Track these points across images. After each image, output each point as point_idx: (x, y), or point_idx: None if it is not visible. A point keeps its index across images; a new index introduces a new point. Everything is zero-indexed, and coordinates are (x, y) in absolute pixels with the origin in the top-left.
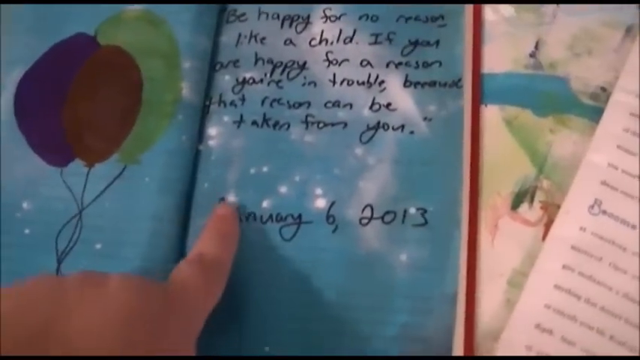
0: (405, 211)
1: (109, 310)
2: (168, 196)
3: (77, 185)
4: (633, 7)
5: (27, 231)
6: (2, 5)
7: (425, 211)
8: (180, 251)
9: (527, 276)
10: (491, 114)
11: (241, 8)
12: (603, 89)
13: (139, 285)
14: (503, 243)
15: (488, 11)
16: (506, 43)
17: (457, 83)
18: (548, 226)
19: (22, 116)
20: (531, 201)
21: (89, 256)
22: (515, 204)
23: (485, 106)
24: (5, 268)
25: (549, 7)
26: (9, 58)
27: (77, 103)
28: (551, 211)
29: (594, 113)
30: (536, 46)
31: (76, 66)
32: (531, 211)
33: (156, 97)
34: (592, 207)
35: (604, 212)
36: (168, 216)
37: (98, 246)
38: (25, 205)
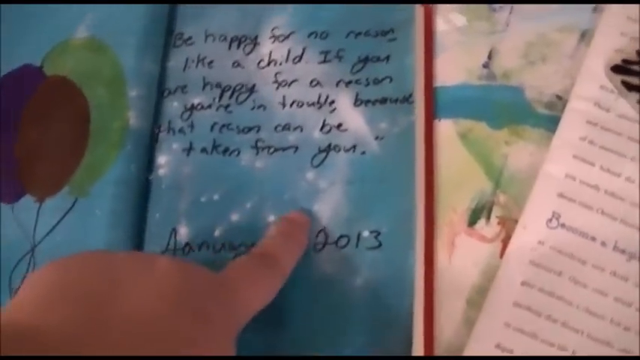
0: (359, 235)
1: (158, 289)
2: (119, 229)
3: (29, 221)
4: (588, 10)
5: None
6: None
7: (378, 233)
8: None
9: (486, 294)
10: (445, 128)
11: (188, 31)
12: (559, 97)
13: (188, 268)
14: (460, 261)
15: (440, 21)
16: (458, 53)
17: (408, 99)
18: (505, 242)
19: None
20: (488, 216)
21: None
22: (472, 220)
23: (439, 120)
24: None
25: (502, 15)
26: None
27: (27, 135)
28: (508, 226)
29: (550, 123)
30: (490, 56)
31: (24, 98)
32: (488, 227)
33: (104, 126)
34: (550, 220)
35: (562, 225)
36: (119, 248)
37: None
38: None
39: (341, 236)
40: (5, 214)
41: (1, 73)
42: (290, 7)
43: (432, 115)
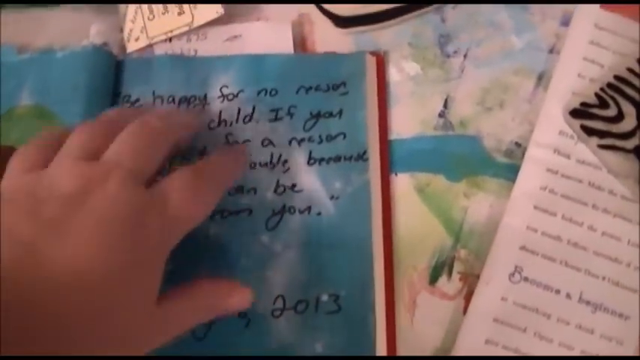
0: (318, 299)
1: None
2: None
3: None
4: (544, 52)
5: None
6: None
7: (337, 297)
8: None
9: (450, 353)
10: (402, 183)
11: (135, 93)
12: (518, 144)
13: (124, 197)
14: (422, 321)
15: (393, 71)
16: (413, 104)
17: (362, 156)
18: (468, 299)
19: None
20: (450, 273)
21: None
22: (433, 277)
23: (396, 175)
24: None
25: (456, 61)
26: None
27: None
28: (470, 281)
29: (510, 172)
30: (445, 105)
31: None
32: (450, 284)
33: None
34: (512, 275)
35: (525, 279)
36: None
37: None
38: None
39: (299, 301)
40: None
41: None
42: (236, 63)
43: (387, 171)
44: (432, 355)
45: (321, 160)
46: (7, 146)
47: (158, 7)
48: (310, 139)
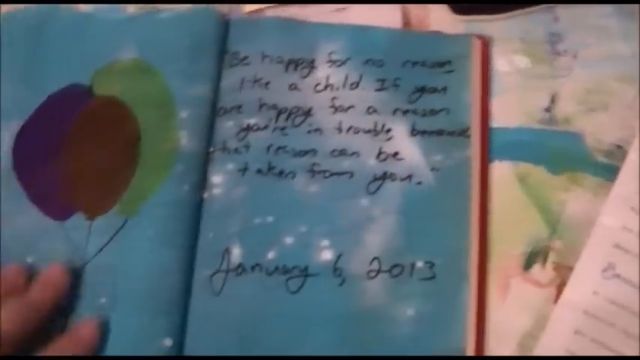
0: (413, 265)
1: None
2: (171, 249)
3: (79, 239)
4: None
5: None
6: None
7: (432, 264)
8: (184, 303)
9: (538, 339)
10: (503, 170)
11: (243, 51)
12: (618, 147)
13: None
14: (513, 304)
15: (502, 62)
16: (519, 95)
17: (465, 132)
18: (560, 289)
19: (21, 169)
20: (544, 262)
21: (93, 311)
22: (527, 264)
23: (499, 161)
24: None
25: (565, 60)
26: (5, 108)
27: (74, 155)
28: (563, 272)
29: (609, 172)
30: (552, 100)
31: (72, 117)
32: (543, 273)
33: (153, 147)
34: (605, 270)
35: (617, 276)
36: (171, 269)
37: (102, 300)
38: (29, 259)
39: (395, 265)
40: (56, 231)
41: (46, 90)
42: (346, 31)
43: (486, 151)
44: (521, 337)
45: (424, 132)
46: (108, 96)
47: None
48: (414, 112)
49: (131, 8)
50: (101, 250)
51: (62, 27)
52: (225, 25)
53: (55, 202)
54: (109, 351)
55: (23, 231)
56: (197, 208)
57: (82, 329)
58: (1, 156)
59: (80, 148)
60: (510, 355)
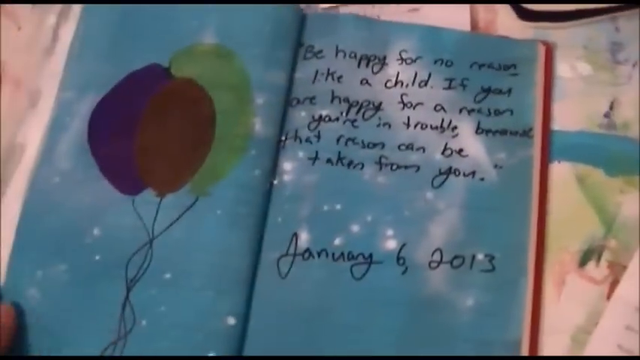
0: (474, 257)
1: None
2: (239, 231)
3: (148, 214)
4: None
5: (97, 257)
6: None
7: (492, 257)
8: (250, 284)
9: (591, 334)
10: (563, 170)
11: (318, 45)
12: None
13: None
14: (568, 299)
15: (565, 68)
16: (581, 100)
17: (528, 133)
18: (613, 286)
19: (95, 142)
20: (598, 259)
21: (158, 285)
22: (583, 261)
23: (559, 162)
24: (72, 292)
25: (625, 69)
26: (81, 83)
27: (148, 132)
28: (617, 270)
29: None
30: (611, 107)
31: (148, 96)
32: (598, 270)
33: (228, 130)
34: None
35: None
36: (238, 250)
37: (167, 275)
38: (95, 231)
39: (456, 256)
40: (125, 205)
41: (127, 68)
42: (417, 31)
43: (547, 152)
44: (575, 331)
45: (489, 131)
46: (185, 78)
47: None
48: (479, 111)
49: None
50: (170, 226)
51: (146, 8)
52: (302, 19)
53: (126, 177)
54: (172, 326)
55: (91, 202)
56: (267, 193)
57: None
58: (75, 127)
59: (155, 126)
60: (551, 355)
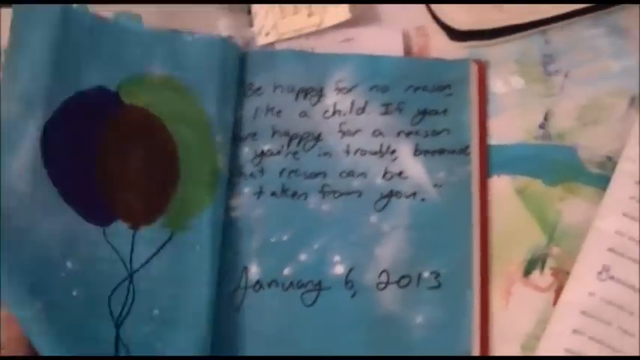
0: (420, 275)
1: None
2: (213, 264)
3: (123, 247)
4: (637, 76)
5: (75, 292)
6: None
7: (438, 274)
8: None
9: (540, 340)
10: (503, 184)
11: (257, 82)
12: (609, 158)
13: None
14: (516, 308)
15: (499, 83)
16: (516, 114)
17: (465, 150)
18: (558, 292)
19: (53, 167)
20: (542, 268)
21: (148, 322)
22: (527, 271)
23: (498, 176)
24: (57, 329)
25: (558, 78)
26: (24, 97)
27: (108, 158)
28: (561, 277)
29: (601, 181)
30: (546, 117)
31: (101, 121)
32: (542, 278)
33: (194, 166)
34: (600, 273)
35: (612, 278)
36: (214, 284)
37: (156, 312)
38: (69, 264)
39: (402, 276)
40: (96, 237)
41: (72, 85)
42: (352, 61)
43: (486, 167)
44: (525, 339)
45: (427, 151)
46: (138, 106)
47: (289, 8)
48: (417, 133)
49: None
50: (149, 260)
51: (85, 27)
52: (241, 58)
53: (93, 206)
54: None
55: (60, 232)
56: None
57: None
58: (26, 145)
59: (115, 154)
60: (513, 355)
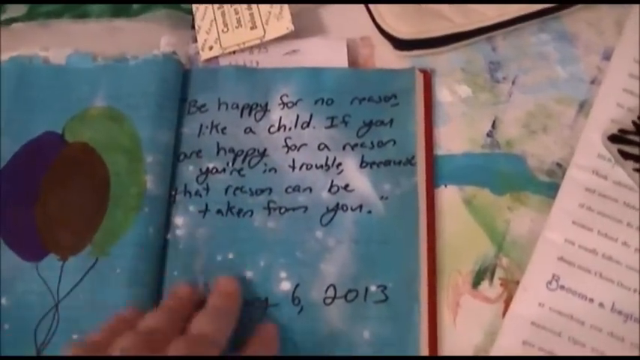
0: (367, 289)
1: None
2: (139, 287)
3: (52, 279)
4: (586, 83)
5: (6, 326)
6: None
7: (385, 287)
8: None
9: (489, 352)
10: (450, 194)
11: (201, 99)
12: (559, 165)
13: None
14: (464, 321)
15: (445, 93)
16: (463, 123)
17: (411, 161)
18: (507, 303)
19: None
20: (491, 278)
21: None
22: (476, 282)
23: (445, 186)
24: None
25: (505, 86)
26: None
27: (48, 199)
28: (510, 287)
29: (551, 189)
30: (493, 125)
31: (46, 163)
32: (491, 289)
33: (122, 191)
34: (550, 283)
35: (562, 287)
36: (139, 305)
37: (75, 336)
38: (3, 301)
39: (350, 290)
40: (29, 272)
41: (23, 138)
42: (295, 75)
43: (432, 178)
44: (473, 352)
45: (372, 163)
46: (79, 142)
47: (232, 21)
48: (363, 145)
49: (101, 58)
50: (73, 289)
51: (39, 79)
52: (184, 74)
53: (29, 245)
54: None
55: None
56: (162, 248)
57: (266, 330)
58: None
59: (54, 192)
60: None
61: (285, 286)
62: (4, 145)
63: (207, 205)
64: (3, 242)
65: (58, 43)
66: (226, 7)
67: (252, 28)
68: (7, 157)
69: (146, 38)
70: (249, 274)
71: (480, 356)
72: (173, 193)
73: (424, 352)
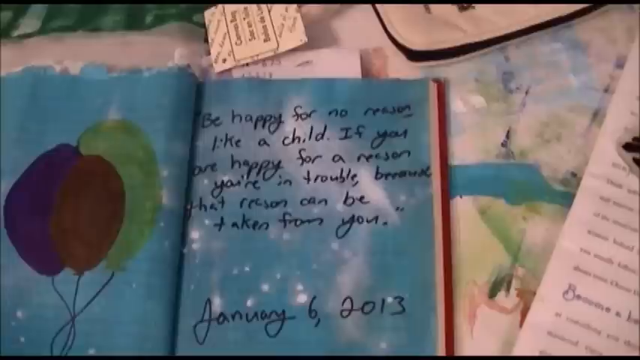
0: (383, 301)
1: None
2: (154, 302)
3: (68, 293)
4: (599, 91)
5: (22, 339)
6: None
7: (402, 299)
8: (170, 353)
9: None
10: (466, 205)
11: (215, 112)
12: (573, 174)
13: None
14: (481, 331)
15: (459, 103)
16: (477, 133)
17: (426, 172)
18: (524, 313)
19: (12, 227)
20: (507, 289)
21: None
22: (492, 292)
23: (460, 197)
24: None
25: (518, 96)
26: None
27: (63, 212)
28: (526, 297)
29: (565, 199)
30: (507, 135)
31: (60, 176)
32: (508, 299)
33: (137, 205)
34: (566, 292)
35: (578, 297)
36: (155, 320)
37: (91, 351)
38: (19, 313)
39: (366, 302)
40: (45, 286)
41: (38, 150)
42: (309, 86)
43: (447, 188)
44: None
45: (387, 175)
46: (93, 155)
47: (245, 34)
48: (377, 156)
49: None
50: (89, 303)
51: (53, 90)
52: (198, 88)
53: (45, 259)
54: None
55: (13, 285)
56: (178, 262)
57: None
58: None
59: (68, 205)
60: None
61: (302, 298)
62: (19, 157)
63: (222, 219)
64: (18, 254)
65: (71, 57)
66: (239, 19)
67: (265, 41)
68: (21, 168)
69: (159, 52)
70: (265, 286)
71: (481, 356)
72: (188, 206)
73: None
